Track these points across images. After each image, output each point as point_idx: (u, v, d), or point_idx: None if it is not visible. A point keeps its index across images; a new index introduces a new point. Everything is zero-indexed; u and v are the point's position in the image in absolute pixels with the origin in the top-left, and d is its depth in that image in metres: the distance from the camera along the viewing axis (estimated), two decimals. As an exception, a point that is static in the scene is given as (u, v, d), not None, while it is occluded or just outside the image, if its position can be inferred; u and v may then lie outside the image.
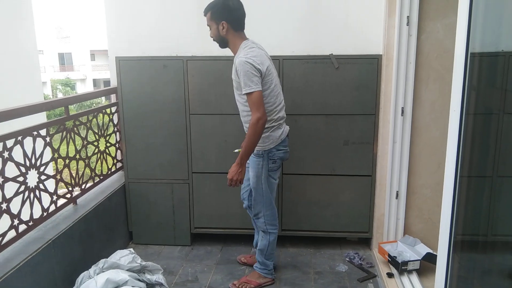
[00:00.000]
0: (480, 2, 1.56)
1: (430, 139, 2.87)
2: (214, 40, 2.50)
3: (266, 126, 2.41)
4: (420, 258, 2.69)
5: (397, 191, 2.95)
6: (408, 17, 2.70)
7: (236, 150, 2.67)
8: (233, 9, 2.38)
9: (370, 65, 2.92)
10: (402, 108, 2.82)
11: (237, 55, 2.40)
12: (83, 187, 2.89)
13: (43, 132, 2.41)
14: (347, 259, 3.08)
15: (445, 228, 1.74)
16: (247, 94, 2.31)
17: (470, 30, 1.58)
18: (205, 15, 2.45)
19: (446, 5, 2.69)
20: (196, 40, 3.05)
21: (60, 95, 27.62)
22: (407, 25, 2.71)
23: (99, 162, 3.12)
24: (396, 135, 2.87)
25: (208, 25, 2.47)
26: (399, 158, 2.90)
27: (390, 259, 2.77)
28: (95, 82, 33.29)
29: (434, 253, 2.68)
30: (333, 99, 2.99)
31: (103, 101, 17.60)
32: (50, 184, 2.53)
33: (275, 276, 2.82)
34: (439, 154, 2.86)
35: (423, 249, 2.79)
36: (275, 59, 2.94)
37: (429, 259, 2.67)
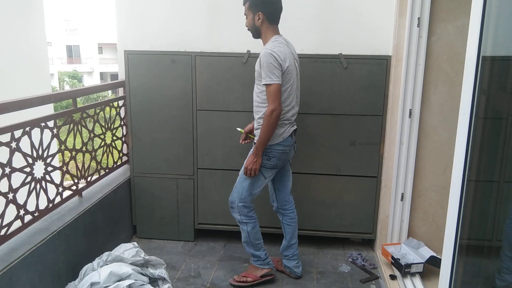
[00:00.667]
0: (493, 6, 1.55)
1: (437, 142, 2.86)
2: (248, 29, 2.54)
3: None
4: (423, 261, 2.69)
5: (402, 193, 2.94)
6: (419, 18, 2.68)
7: (238, 129, 2.76)
8: (271, 2, 2.45)
9: (379, 66, 2.91)
10: (410, 109, 2.81)
11: (265, 46, 2.44)
12: (88, 179, 2.90)
13: (50, 123, 2.42)
14: (350, 259, 3.07)
15: (451, 231, 1.73)
16: (266, 85, 2.35)
17: (483, 33, 1.56)
18: (244, 4, 2.51)
19: (457, 7, 2.67)
20: (205, 36, 3.05)
21: (67, 87, 27.74)
22: (418, 26, 2.69)
23: (105, 155, 3.13)
24: (403, 137, 2.86)
25: (245, 14, 2.52)
26: (406, 160, 2.89)
27: (393, 261, 2.76)
28: (102, 75, 33.39)
29: (438, 256, 2.67)
30: (341, 99, 2.98)
31: (109, 94, 17.67)
32: (56, 176, 2.54)
33: (274, 266, 2.79)
34: (446, 157, 2.84)
35: (427, 252, 2.78)
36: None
37: (433, 263, 2.66)
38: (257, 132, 2.52)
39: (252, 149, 2.52)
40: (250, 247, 2.70)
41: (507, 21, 1.63)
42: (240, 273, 2.83)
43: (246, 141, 2.78)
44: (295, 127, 2.59)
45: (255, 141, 2.52)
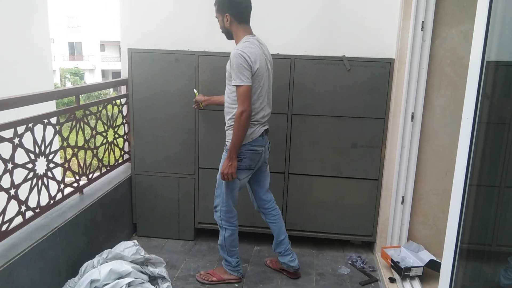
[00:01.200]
0: (498, 10, 1.55)
1: (439, 146, 2.86)
2: (222, 32, 2.56)
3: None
4: (423, 265, 2.69)
5: (403, 196, 2.94)
6: (423, 22, 2.68)
7: (194, 90, 2.92)
8: (236, 2, 2.45)
9: (382, 69, 2.91)
10: (412, 113, 2.81)
11: (236, 47, 2.43)
12: (90, 177, 2.90)
13: (53, 120, 2.43)
14: (350, 262, 3.08)
15: (451, 235, 1.73)
16: (236, 86, 2.35)
17: (487, 38, 1.56)
18: (214, 6, 2.53)
19: (462, 12, 2.67)
20: (209, 35, 3.05)
21: (68, 84, 27.75)
22: (422, 30, 2.70)
23: (107, 152, 3.14)
24: (405, 140, 2.86)
25: (216, 17, 2.54)
26: (407, 163, 2.89)
27: (393, 264, 2.76)
28: (104, 72, 33.39)
29: (438, 260, 2.67)
30: (343, 101, 2.98)
31: (110, 92, 17.66)
32: (57, 173, 2.54)
33: (243, 275, 2.80)
34: (447, 161, 2.85)
35: (426, 256, 2.78)
36: (286, 58, 2.95)
37: (432, 266, 2.66)
38: (227, 134, 2.51)
39: (224, 153, 2.53)
40: (224, 251, 2.72)
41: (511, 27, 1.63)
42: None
43: (196, 106, 2.88)
44: (266, 127, 2.56)
45: (226, 142, 2.52)
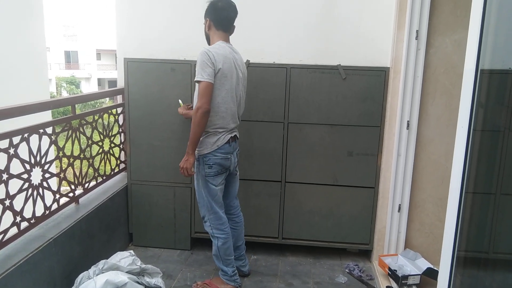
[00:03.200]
0: (491, 20, 1.57)
1: (435, 154, 2.87)
2: (205, 37, 2.62)
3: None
4: (420, 273, 2.68)
5: (400, 204, 2.94)
6: (417, 31, 2.71)
7: (180, 101, 2.93)
8: (218, 9, 2.50)
9: (377, 77, 2.93)
10: (408, 121, 2.82)
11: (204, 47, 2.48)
12: (86, 186, 2.89)
13: (49, 130, 2.42)
14: (347, 270, 3.07)
15: (448, 243, 1.73)
16: (197, 82, 2.39)
17: (481, 47, 1.58)
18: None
19: (455, 21, 2.70)
20: (205, 44, 3.05)
21: (64, 93, 27.70)
22: (416, 39, 2.72)
23: (103, 162, 3.12)
24: (401, 148, 2.87)
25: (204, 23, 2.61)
26: (403, 171, 2.89)
27: (390, 273, 2.76)
28: (100, 81, 33.39)
29: (435, 268, 2.67)
30: (339, 110, 3.00)
31: (106, 101, 17.65)
32: (53, 183, 2.53)
33: (240, 284, 2.79)
34: (443, 169, 2.85)
35: (423, 264, 2.78)
36: (282, 67, 2.96)
37: (430, 274, 2.66)
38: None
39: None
40: (219, 261, 2.71)
41: (505, 35, 1.65)
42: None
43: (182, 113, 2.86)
44: (233, 134, 2.57)
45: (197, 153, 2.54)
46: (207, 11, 2.53)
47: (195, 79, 2.38)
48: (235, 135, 2.60)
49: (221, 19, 2.51)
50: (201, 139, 2.48)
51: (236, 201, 2.83)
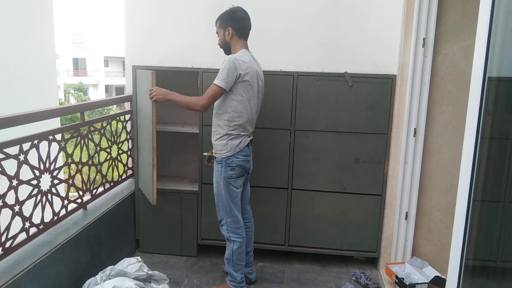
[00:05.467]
0: (499, 27, 1.57)
1: (442, 161, 2.86)
2: (220, 46, 2.65)
3: (225, 133, 2.53)
4: (428, 281, 2.67)
5: (407, 212, 2.93)
6: (424, 38, 2.71)
7: (205, 154, 2.86)
8: (239, 18, 2.57)
9: (384, 85, 2.93)
10: (415, 128, 2.82)
11: (232, 54, 2.53)
12: (93, 192, 2.91)
13: (58, 136, 2.45)
14: (354, 278, 3.05)
15: (456, 251, 1.72)
16: (214, 83, 2.44)
17: (489, 55, 1.58)
18: (216, 23, 2.63)
19: (462, 28, 2.70)
20: (212, 52, 3.08)
21: (72, 100, 27.93)
22: (423, 46, 2.72)
23: (111, 168, 3.15)
24: (408, 156, 2.86)
25: (216, 33, 2.64)
26: (410, 178, 2.88)
27: (397, 281, 2.74)
28: (107, 88, 33.64)
29: (443, 276, 2.65)
30: (346, 117, 3.00)
31: (113, 107, 17.77)
32: (61, 189, 2.55)
33: None
34: (450, 177, 2.84)
35: (431, 272, 2.76)
36: (289, 74, 2.97)
37: (437, 283, 2.64)
38: (215, 144, 2.59)
39: (215, 164, 2.61)
40: (230, 265, 2.71)
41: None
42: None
43: (210, 163, 2.85)
44: (251, 137, 2.65)
45: (214, 155, 2.61)
46: (226, 20, 2.57)
47: (215, 81, 2.44)
48: (252, 139, 2.66)
49: (243, 28, 2.58)
50: (224, 142, 2.54)
51: (249, 206, 2.86)
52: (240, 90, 2.47)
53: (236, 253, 2.66)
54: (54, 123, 4.21)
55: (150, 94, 2.63)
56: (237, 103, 2.49)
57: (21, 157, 2.14)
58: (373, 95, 2.95)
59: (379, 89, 2.94)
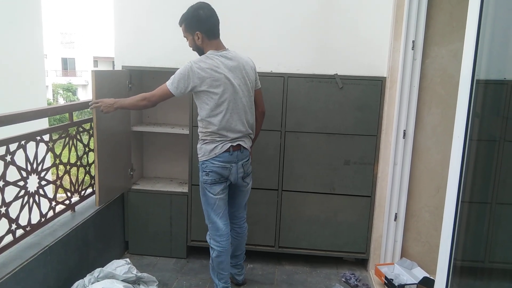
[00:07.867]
0: (487, 31, 1.59)
1: (431, 163, 2.88)
2: (193, 50, 2.52)
3: (200, 137, 2.47)
4: (417, 282, 2.68)
5: (396, 213, 2.95)
6: (413, 41, 2.73)
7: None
8: (204, 19, 2.40)
9: (374, 87, 2.95)
10: (404, 130, 2.84)
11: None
12: (82, 194, 2.88)
13: (46, 137, 2.42)
14: (343, 279, 3.06)
15: (445, 252, 1.73)
16: (166, 84, 2.38)
17: (477, 58, 1.60)
18: (180, 26, 2.49)
19: (451, 32, 2.73)
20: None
21: (61, 100, 27.65)
22: (412, 49, 2.75)
23: (99, 169, 3.11)
24: (397, 157, 2.88)
25: (184, 37, 2.51)
26: (399, 180, 2.90)
27: (386, 282, 2.75)
28: (97, 88, 33.33)
29: (431, 277, 2.67)
30: (336, 119, 3.01)
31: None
32: (49, 190, 2.52)
33: None
34: (439, 178, 2.87)
35: (420, 273, 2.78)
36: (280, 76, 2.97)
37: (426, 284, 2.66)
38: (198, 147, 2.52)
39: (199, 164, 2.51)
40: (213, 272, 2.65)
41: (500, 46, 1.67)
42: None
43: None
44: (236, 143, 2.45)
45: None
46: (191, 25, 2.42)
47: (167, 83, 2.37)
48: (239, 144, 2.47)
49: (212, 28, 2.42)
50: (199, 145, 2.48)
51: (243, 212, 2.74)
52: (203, 98, 2.38)
53: (216, 261, 2.57)
54: (42, 123, 4.17)
55: (99, 108, 2.51)
56: (205, 111, 2.39)
57: (8, 158, 2.11)
58: (363, 97, 2.97)
59: (369, 91, 2.96)
